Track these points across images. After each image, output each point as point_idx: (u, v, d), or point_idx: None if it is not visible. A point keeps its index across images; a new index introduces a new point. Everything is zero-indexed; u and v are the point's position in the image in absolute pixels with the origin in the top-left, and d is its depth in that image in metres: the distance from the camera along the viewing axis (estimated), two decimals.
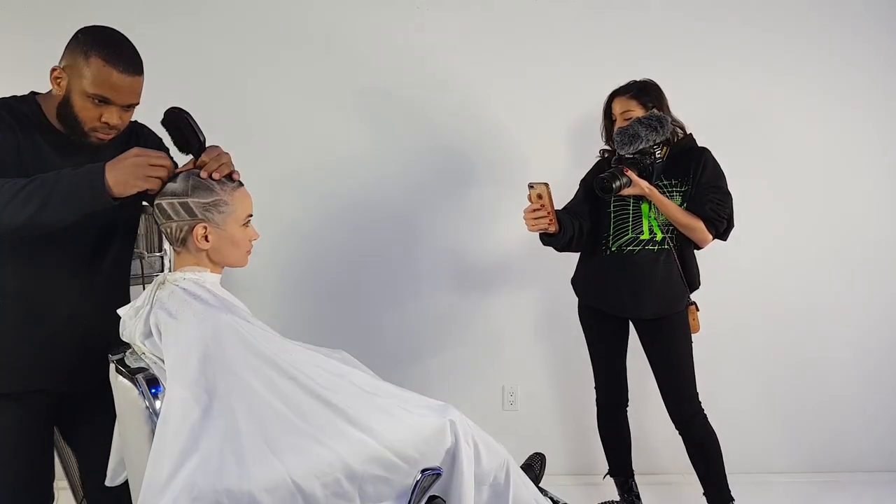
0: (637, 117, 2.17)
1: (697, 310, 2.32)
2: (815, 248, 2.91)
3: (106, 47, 1.50)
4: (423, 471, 1.43)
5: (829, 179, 2.90)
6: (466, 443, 1.49)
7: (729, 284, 2.82)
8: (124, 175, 1.42)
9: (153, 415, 1.33)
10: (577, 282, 2.48)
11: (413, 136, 2.84)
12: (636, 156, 2.18)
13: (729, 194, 2.24)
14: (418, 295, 2.88)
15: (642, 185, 2.14)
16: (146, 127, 1.79)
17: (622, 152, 2.19)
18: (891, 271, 2.93)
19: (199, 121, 1.53)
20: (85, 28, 1.54)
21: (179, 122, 1.52)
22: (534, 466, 2.16)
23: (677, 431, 2.32)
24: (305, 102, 2.80)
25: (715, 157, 2.26)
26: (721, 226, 2.22)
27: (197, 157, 1.53)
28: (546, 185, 2.07)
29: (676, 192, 2.24)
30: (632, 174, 2.14)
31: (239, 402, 1.35)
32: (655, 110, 2.21)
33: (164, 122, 1.54)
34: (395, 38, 2.80)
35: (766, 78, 2.86)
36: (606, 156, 2.42)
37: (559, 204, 2.26)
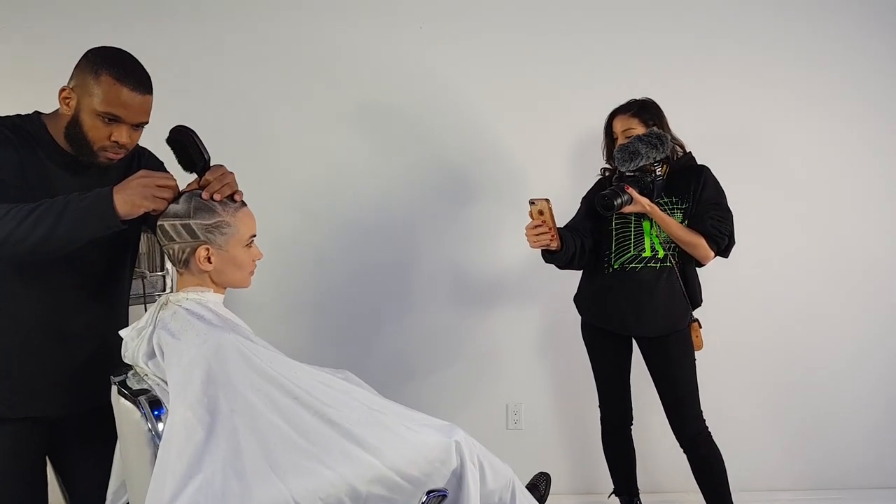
0: (637, 135, 2.17)
1: (700, 327, 2.32)
2: (816, 263, 2.91)
3: (116, 66, 1.51)
4: (429, 492, 1.42)
5: (828, 195, 2.90)
6: (472, 464, 1.48)
7: (731, 301, 2.81)
8: (132, 196, 1.42)
9: (156, 437, 1.32)
10: (579, 300, 2.47)
11: (415, 153, 2.85)
12: (637, 173, 2.18)
13: (730, 211, 2.25)
14: (420, 311, 2.87)
15: (643, 203, 2.15)
16: (147, 149, 1.79)
17: (623, 169, 2.18)
18: (891, 286, 2.92)
19: (203, 139, 1.53)
20: (94, 48, 1.55)
21: (185, 141, 1.52)
22: (539, 486, 2.13)
23: (681, 449, 2.30)
24: (308, 120, 2.81)
25: (714, 174, 2.27)
26: (722, 242, 2.22)
27: (201, 176, 1.53)
28: (547, 200, 2.07)
29: (677, 209, 2.25)
30: (633, 192, 2.14)
31: (242, 422, 1.34)
32: (655, 128, 2.22)
33: (169, 141, 1.54)
34: (398, 57, 2.82)
35: (763, 95, 2.87)
36: (607, 174, 2.42)
37: (561, 221, 2.26)
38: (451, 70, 2.83)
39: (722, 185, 2.27)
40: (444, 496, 1.45)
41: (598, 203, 2.14)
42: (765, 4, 2.87)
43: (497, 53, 2.84)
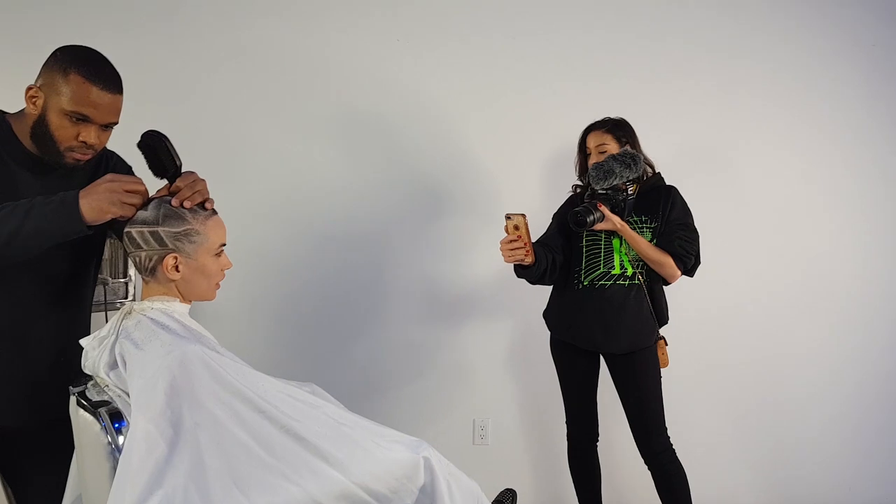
0: (611, 154, 2.21)
1: (666, 344, 2.35)
2: (783, 283, 2.96)
3: (86, 64, 1.47)
4: None
5: (796, 215, 2.97)
6: (443, 481, 1.46)
7: (697, 319, 2.85)
8: (99, 201, 1.38)
9: (115, 450, 1.28)
10: (549, 315, 2.49)
11: (389, 164, 2.84)
12: (609, 191, 2.22)
13: (696, 231, 2.29)
14: (388, 325, 2.84)
15: (614, 221, 2.17)
16: (115, 153, 1.75)
17: (596, 187, 2.21)
18: (858, 307, 2.98)
19: (175, 145, 1.50)
20: (63, 47, 1.51)
21: (156, 146, 1.48)
22: (504, 502, 2.13)
23: (646, 466, 2.32)
24: (281, 131, 2.78)
25: (682, 195, 2.32)
26: (689, 262, 2.26)
27: (172, 182, 1.49)
28: (523, 216, 2.08)
29: (646, 228, 2.28)
30: (605, 209, 2.17)
31: (206, 436, 1.30)
32: (629, 147, 2.26)
33: (140, 145, 1.50)
34: (375, 69, 2.81)
35: (733, 115, 2.93)
36: (579, 191, 2.45)
37: (534, 237, 2.26)
38: (427, 82, 2.83)
39: (690, 204, 2.31)
40: None
41: (571, 220, 2.16)
42: (739, 22, 2.94)
43: (473, 67, 2.85)
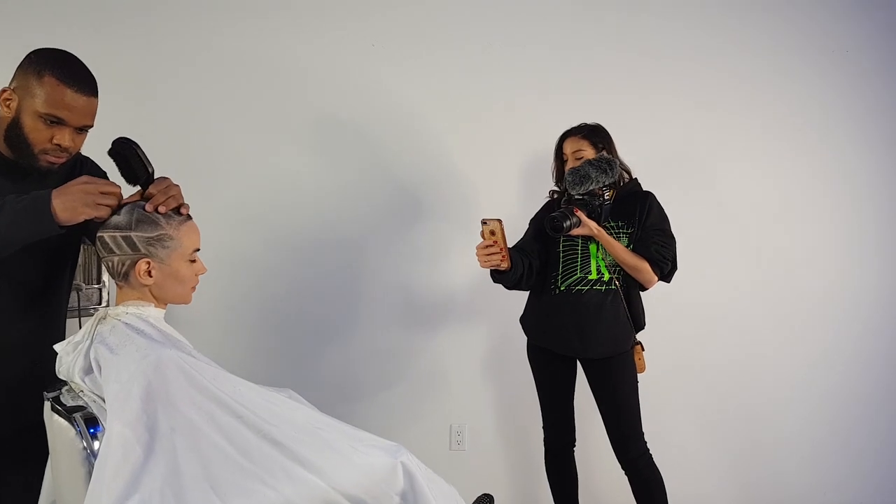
0: (588, 159, 2.23)
1: (643, 350, 2.36)
2: (758, 287, 3.00)
3: (60, 67, 1.47)
4: None
5: (772, 220, 3.01)
6: (423, 484, 1.46)
7: (673, 325, 2.87)
8: (72, 202, 1.37)
9: (91, 456, 1.27)
10: (525, 321, 2.50)
11: (364, 172, 2.85)
12: (585, 196, 2.23)
13: (673, 237, 2.31)
14: (365, 330, 2.84)
15: (591, 226, 2.19)
16: (89, 158, 1.74)
17: (573, 192, 2.22)
18: (830, 311, 3.04)
19: (149, 151, 1.50)
20: (38, 49, 1.51)
21: (127, 153, 1.47)
22: None
23: (623, 471, 2.33)
24: (256, 136, 2.78)
25: (658, 200, 2.34)
26: (665, 267, 2.28)
27: (144, 188, 1.49)
28: (499, 221, 2.08)
29: (623, 233, 2.29)
30: (581, 214, 2.18)
31: (182, 441, 1.29)
32: (605, 153, 2.28)
33: (111, 153, 1.50)
34: (350, 73, 2.82)
35: (708, 120, 2.98)
36: (556, 196, 2.46)
37: (510, 242, 2.27)
38: (403, 88, 2.85)
39: (666, 209, 2.34)
40: None
41: (548, 225, 2.17)
42: (712, 31, 3.00)
43: (448, 73, 2.87)
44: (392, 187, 2.85)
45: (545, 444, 2.52)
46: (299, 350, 2.81)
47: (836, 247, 3.05)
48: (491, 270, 2.24)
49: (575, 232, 2.18)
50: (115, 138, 1.49)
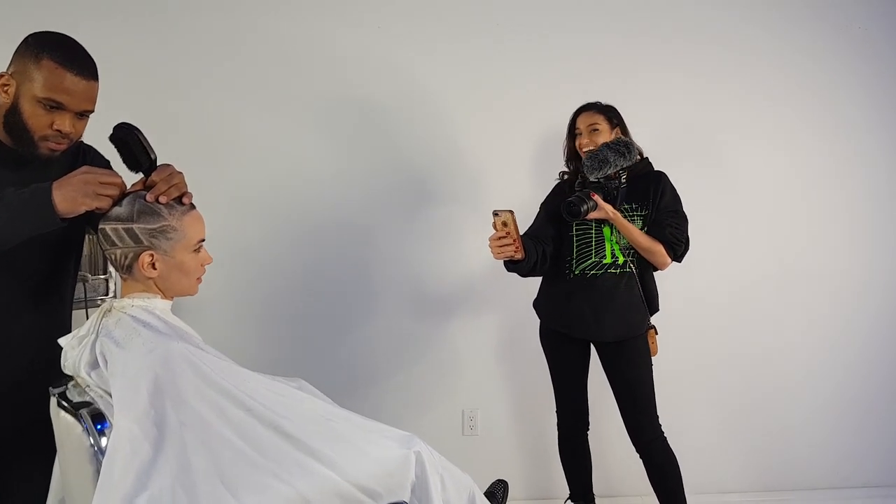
0: (605, 143, 2.18)
1: (656, 333, 2.33)
2: (772, 268, 2.95)
3: (59, 50, 1.43)
4: None
5: (789, 202, 2.95)
6: (434, 475, 1.44)
7: (687, 307, 2.84)
8: (73, 192, 1.33)
9: (99, 453, 1.24)
10: (539, 305, 2.47)
11: (374, 158, 2.80)
12: (601, 180, 2.19)
13: (685, 217, 2.28)
14: (376, 316, 2.81)
15: (607, 210, 2.14)
16: (93, 147, 1.70)
17: (591, 177, 2.18)
18: (844, 297, 2.99)
19: (151, 137, 1.46)
20: (35, 33, 1.47)
21: (128, 139, 1.43)
22: (497, 494, 2.11)
23: (637, 454, 2.31)
24: (260, 121, 2.74)
25: (670, 180, 2.30)
26: (679, 249, 2.26)
27: (147, 176, 1.45)
28: (511, 212, 2.05)
29: (637, 216, 2.26)
30: (598, 198, 2.14)
31: (192, 436, 1.27)
32: (622, 134, 2.26)
33: (112, 139, 1.45)
34: (356, 58, 2.76)
35: (718, 103, 2.91)
36: (566, 177, 2.42)
37: (522, 227, 2.25)
38: (409, 72, 2.78)
39: (679, 190, 2.30)
40: None
41: (565, 209, 2.12)
42: (724, 9, 2.92)
43: (457, 57, 2.81)
44: (400, 172, 2.80)
45: (559, 429, 2.50)
46: (310, 339, 2.78)
47: (850, 231, 2.98)
48: (505, 263, 2.22)
49: (591, 216, 2.15)
50: (116, 124, 1.46)
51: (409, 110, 2.80)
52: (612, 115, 2.29)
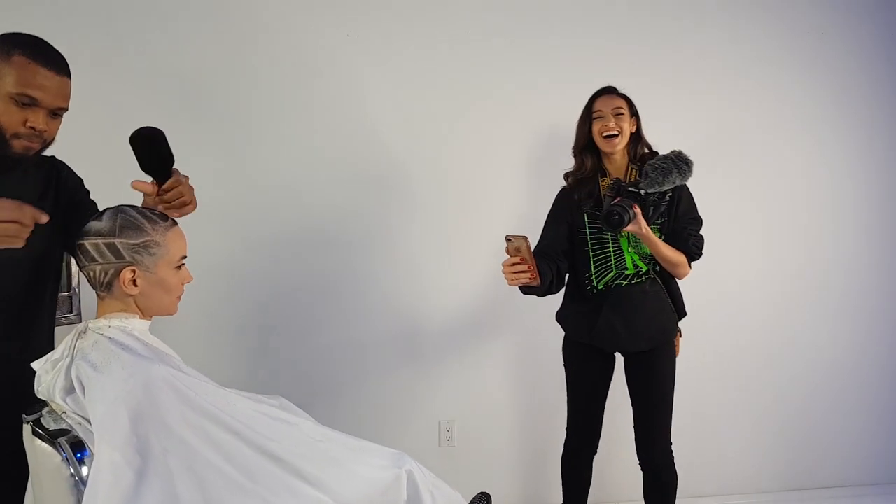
0: (670, 157, 2.03)
1: (681, 335, 2.29)
2: (790, 265, 3.01)
3: (30, 46, 1.41)
4: None
5: (805, 200, 3.01)
6: (426, 493, 1.42)
7: (707, 305, 2.83)
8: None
9: (79, 483, 1.19)
10: (564, 319, 2.35)
11: (349, 167, 2.74)
12: (647, 193, 2.05)
13: (701, 221, 2.22)
14: (350, 330, 2.76)
15: (642, 225, 2.01)
16: (66, 165, 1.66)
17: (651, 190, 2.03)
18: (856, 297, 3.07)
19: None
20: (3, 33, 1.43)
21: (159, 140, 1.44)
22: None
23: (640, 467, 2.28)
24: (231, 133, 2.66)
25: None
26: (699, 256, 2.20)
27: (162, 182, 1.45)
28: (525, 238, 1.95)
29: (654, 225, 2.14)
30: (638, 211, 2.00)
31: (177, 463, 1.23)
32: (639, 125, 2.19)
33: (139, 136, 1.43)
34: (323, 65, 2.71)
35: (743, 98, 2.93)
36: (571, 180, 2.27)
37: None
38: (382, 80, 2.74)
39: (697, 189, 2.23)
40: None
41: (606, 220, 1.98)
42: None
43: (438, 63, 2.76)
44: (371, 183, 2.76)
45: (566, 446, 2.39)
46: (285, 354, 2.72)
47: (858, 233, 3.07)
48: (520, 288, 2.11)
49: (625, 228, 2.01)
50: (142, 126, 1.45)
51: (388, 121, 2.75)
52: (632, 104, 2.18)
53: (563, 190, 2.30)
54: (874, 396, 3.12)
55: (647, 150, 2.22)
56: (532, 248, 1.99)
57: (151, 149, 1.44)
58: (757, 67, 2.96)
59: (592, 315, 2.21)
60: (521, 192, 2.79)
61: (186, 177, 1.52)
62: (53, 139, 1.50)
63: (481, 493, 2.16)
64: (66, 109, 1.48)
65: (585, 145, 2.21)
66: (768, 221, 3.00)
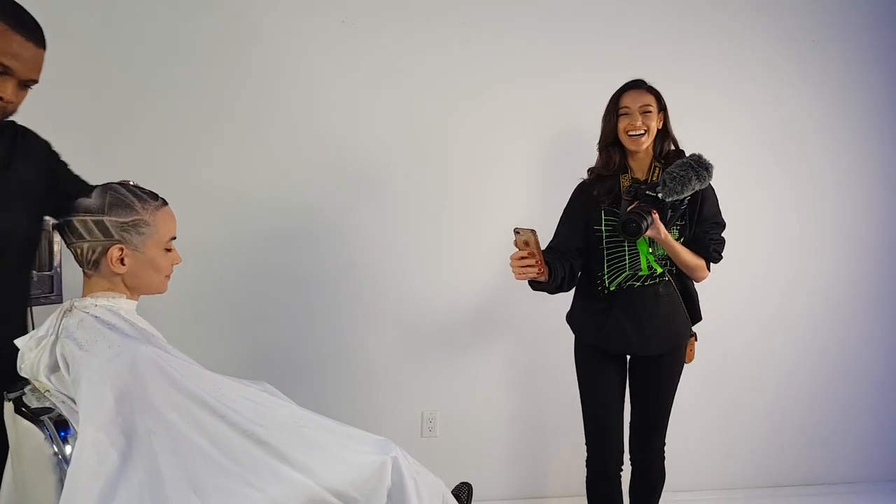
0: (688, 161, 1.94)
1: (696, 340, 2.19)
2: (781, 265, 3.05)
3: (9, 13, 1.36)
4: None
5: (807, 204, 3.05)
6: (410, 480, 1.42)
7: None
8: None
9: (62, 462, 1.18)
10: (574, 320, 2.27)
11: (338, 154, 2.73)
12: (667, 199, 1.96)
13: (724, 225, 2.14)
14: (334, 319, 2.75)
15: (660, 230, 1.94)
16: (30, 130, 1.60)
17: (669, 199, 1.94)
18: (842, 306, 3.12)
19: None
20: None
21: None
22: (461, 497, 2.10)
23: (630, 460, 2.25)
24: (226, 120, 2.62)
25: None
26: (719, 261, 2.14)
27: None
28: (533, 231, 1.89)
29: (675, 226, 2.06)
30: (656, 216, 1.92)
31: (161, 444, 1.22)
32: (667, 121, 2.09)
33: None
34: (316, 54, 2.69)
35: (769, 96, 2.97)
36: (592, 176, 2.17)
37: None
38: (375, 69, 2.73)
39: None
40: None
41: (624, 229, 1.91)
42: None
43: (435, 55, 2.77)
44: (359, 172, 2.74)
45: (588, 466, 2.23)
46: (269, 341, 2.70)
47: (845, 242, 3.11)
48: (529, 283, 2.04)
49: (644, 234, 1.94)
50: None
51: (379, 108, 2.73)
52: (660, 98, 2.07)
53: (581, 185, 2.21)
54: (872, 395, 3.18)
55: (673, 148, 2.12)
56: (543, 245, 1.94)
57: None
58: (756, 67, 2.99)
59: (602, 315, 2.13)
60: (515, 190, 2.80)
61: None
62: (15, 110, 1.45)
63: (463, 482, 2.17)
64: (37, 82, 1.43)
65: (609, 141, 2.12)
66: (761, 225, 3.03)
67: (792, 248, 3.06)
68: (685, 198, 1.97)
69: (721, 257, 2.12)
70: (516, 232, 1.91)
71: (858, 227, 3.11)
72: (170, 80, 2.59)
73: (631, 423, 2.23)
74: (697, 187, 1.93)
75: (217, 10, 2.61)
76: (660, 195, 1.93)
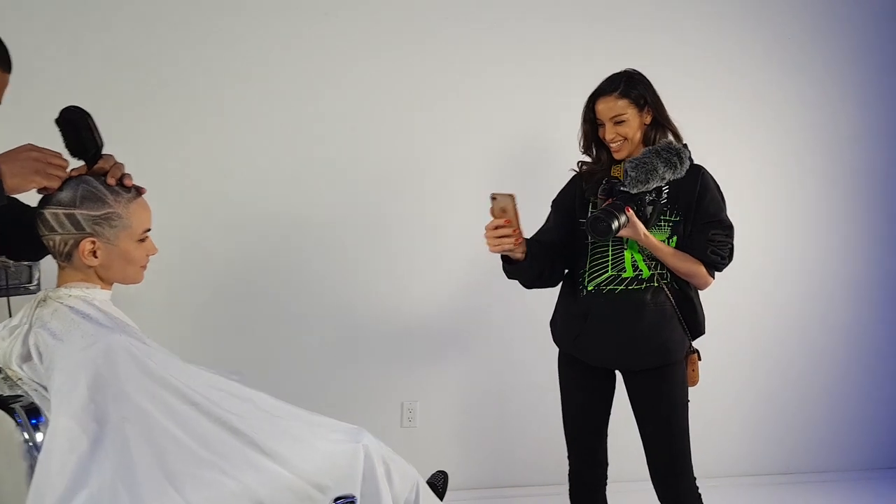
0: (654, 148, 1.79)
1: (699, 359, 1.95)
2: (790, 263, 3.11)
3: None
4: (337, 499, 1.36)
5: (808, 201, 3.10)
6: (381, 467, 1.44)
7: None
8: (21, 168, 1.26)
9: (33, 449, 1.19)
10: (554, 325, 2.08)
11: (325, 150, 2.73)
12: (632, 191, 1.78)
13: (731, 226, 1.90)
14: (314, 309, 2.77)
15: (639, 229, 1.75)
16: None
17: (634, 191, 1.77)
18: (840, 301, 3.19)
19: (99, 126, 1.40)
20: None
21: (79, 123, 1.36)
22: (437, 485, 2.11)
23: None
24: (209, 112, 2.63)
25: (712, 177, 1.93)
26: (723, 266, 1.90)
27: (92, 164, 1.38)
28: (511, 196, 1.69)
29: (666, 222, 1.87)
30: (631, 213, 1.74)
31: (134, 431, 1.23)
32: (656, 113, 1.89)
33: (60, 120, 1.38)
34: (302, 47, 2.69)
35: (770, 89, 3.02)
36: (584, 168, 2.01)
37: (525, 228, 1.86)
38: (363, 62, 2.74)
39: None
40: (353, 502, 1.40)
41: (590, 227, 1.73)
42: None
43: (417, 48, 2.77)
44: (354, 161, 2.75)
45: (570, 479, 2.08)
46: (247, 331, 2.72)
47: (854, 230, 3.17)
48: (503, 265, 1.87)
49: (620, 233, 1.75)
50: (66, 106, 1.38)
51: (364, 105, 2.75)
52: (635, 94, 1.85)
53: (575, 176, 2.06)
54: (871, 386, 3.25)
55: (672, 138, 1.92)
56: (532, 233, 1.89)
57: (69, 133, 1.38)
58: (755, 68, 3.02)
59: (578, 321, 1.93)
60: (500, 186, 2.79)
61: (122, 164, 1.43)
62: None
63: (439, 471, 2.18)
64: None
65: (591, 144, 1.98)
66: (767, 221, 3.07)
67: (798, 236, 3.12)
68: (657, 188, 1.81)
69: (724, 262, 1.88)
70: (493, 198, 1.74)
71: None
72: (159, 81, 2.61)
73: (647, 461, 1.95)
74: (669, 176, 1.77)
75: (217, 11, 2.63)
76: (625, 187, 1.77)
